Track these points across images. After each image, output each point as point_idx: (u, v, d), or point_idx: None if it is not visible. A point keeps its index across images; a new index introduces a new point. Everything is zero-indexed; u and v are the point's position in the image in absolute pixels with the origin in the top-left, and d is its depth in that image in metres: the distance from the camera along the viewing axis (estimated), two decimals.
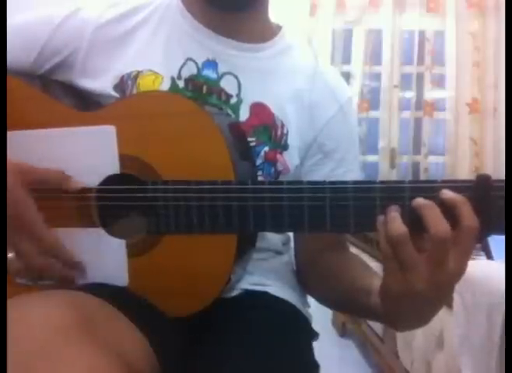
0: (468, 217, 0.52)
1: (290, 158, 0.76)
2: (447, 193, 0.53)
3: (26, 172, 0.63)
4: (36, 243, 0.63)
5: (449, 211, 0.53)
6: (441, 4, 2.77)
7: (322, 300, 0.81)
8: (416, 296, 0.54)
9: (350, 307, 0.77)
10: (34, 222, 0.62)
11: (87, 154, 0.66)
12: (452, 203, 0.53)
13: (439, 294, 0.55)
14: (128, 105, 0.68)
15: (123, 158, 0.65)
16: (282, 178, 0.76)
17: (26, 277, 0.65)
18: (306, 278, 0.83)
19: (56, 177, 0.65)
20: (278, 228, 0.61)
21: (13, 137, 0.66)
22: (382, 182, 0.56)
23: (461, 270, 0.54)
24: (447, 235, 0.52)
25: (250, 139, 0.73)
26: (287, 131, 0.76)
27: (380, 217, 0.55)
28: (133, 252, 0.65)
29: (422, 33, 2.79)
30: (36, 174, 0.64)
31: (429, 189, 0.54)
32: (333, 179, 0.77)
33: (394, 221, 0.54)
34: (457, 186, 0.54)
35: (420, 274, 0.53)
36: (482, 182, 0.53)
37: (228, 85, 0.75)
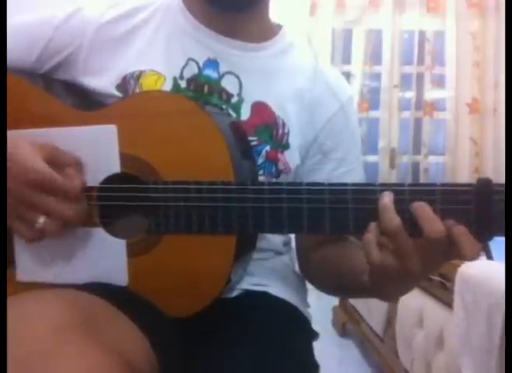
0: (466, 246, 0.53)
1: (291, 158, 0.76)
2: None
3: (46, 147, 0.63)
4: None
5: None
6: (441, 4, 2.77)
7: (323, 287, 0.81)
8: (406, 275, 0.56)
9: (348, 290, 0.78)
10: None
11: (88, 153, 0.66)
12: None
13: (426, 273, 0.57)
14: (128, 105, 0.68)
15: (124, 158, 0.65)
16: (283, 177, 0.76)
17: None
18: (307, 267, 0.83)
19: (73, 161, 0.64)
20: (278, 230, 0.61)
21: (14, 136, 0.65)
22: (381, 184, 0.56)
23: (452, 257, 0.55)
24: (442, 235, 0.53)
25: (251, 138, 0.73)
26: (288, 130, 0.76)
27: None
28: (133, 252, 0.65)
29: (422, 33, 2.79)
30: (56, 152, 0.64)
31: (429, 192, 0.54)
32: (334, 178, 0.77)
33: (388, 212, 0.54)
34: (456, 189, 0.54)
35: (413, 260, 0.54)
36: (484, 186, 0.53)
37: (229, 84, 0.75)
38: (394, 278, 0.57)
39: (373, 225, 0.56)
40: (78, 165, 0.64)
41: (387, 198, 0.55)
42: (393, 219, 0.54)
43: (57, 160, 0.63)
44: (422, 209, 0.54)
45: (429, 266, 0.56)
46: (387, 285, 0.60)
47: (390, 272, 0.56)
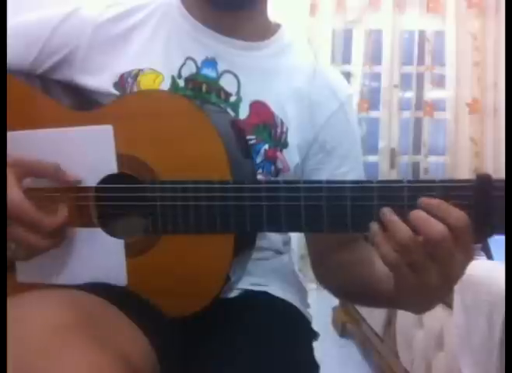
0: (451, 213, 0.52)
1: (290, 157, 0.76)
2: (422, 201, 0.53)
3: (20, 163, 0.62)
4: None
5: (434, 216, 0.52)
6: (441, 4, 2.78)
7: (338, 293, 0.80)
8: (429, 289, 0.55)
9: (363, 297, 0.77)
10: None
11: (85, 153, 0.66)
12: (431, 209, 0.52)
13: (450, 283, 0.56)
14: (125, 104, 0.68)
15: (121, 158, 0.64)
16: (282, 176, 0.76)
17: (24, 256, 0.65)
18: (320, 272, 0.83)
19: (50, 168, 0.64)
20: (275, 228, 0.60)
21: (12, 137, 0.65)
22: (379, 181, 0.55)
23: (468, 260, 0.54)
24: (442, 235, 0.51)
25: (249, 137, 0.73)
26: (287, 129, 0.76)
27: (374, 226, 0.54)
28: (132, 252, 0.65)
29: (422, 33, 2.80)
30: (30, 165, 0.64)
31: (427, 188, 0.54)
32: (336, 177, 0.77)
33: (397, 226, 0.53)
34: (456, 185, 0.53)
35: (431, 271, 0.53)
36: (483, 182, 0.53)
37: (227, 83, 0.75)
38: (417, 292, 0.56)
39: (375, 227, 0.54)
40: (57, 169, 0.64)
41: (390, 215, 0.53)
42: (405, 233, 0.52)
43: (34, 172, 0.64)
44: (415, 214, 0.53)
45: (446, 276, 0.54)
46: (413, 300, 0.59)
47: (410, 286, 0.55)
